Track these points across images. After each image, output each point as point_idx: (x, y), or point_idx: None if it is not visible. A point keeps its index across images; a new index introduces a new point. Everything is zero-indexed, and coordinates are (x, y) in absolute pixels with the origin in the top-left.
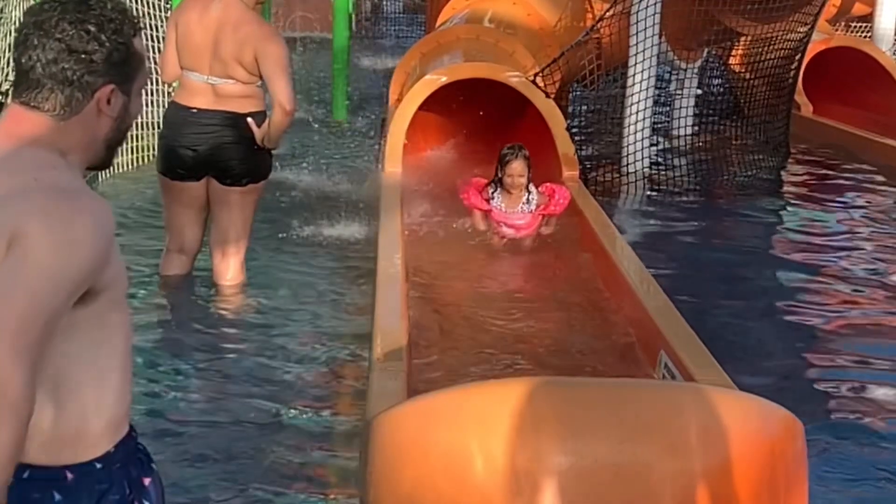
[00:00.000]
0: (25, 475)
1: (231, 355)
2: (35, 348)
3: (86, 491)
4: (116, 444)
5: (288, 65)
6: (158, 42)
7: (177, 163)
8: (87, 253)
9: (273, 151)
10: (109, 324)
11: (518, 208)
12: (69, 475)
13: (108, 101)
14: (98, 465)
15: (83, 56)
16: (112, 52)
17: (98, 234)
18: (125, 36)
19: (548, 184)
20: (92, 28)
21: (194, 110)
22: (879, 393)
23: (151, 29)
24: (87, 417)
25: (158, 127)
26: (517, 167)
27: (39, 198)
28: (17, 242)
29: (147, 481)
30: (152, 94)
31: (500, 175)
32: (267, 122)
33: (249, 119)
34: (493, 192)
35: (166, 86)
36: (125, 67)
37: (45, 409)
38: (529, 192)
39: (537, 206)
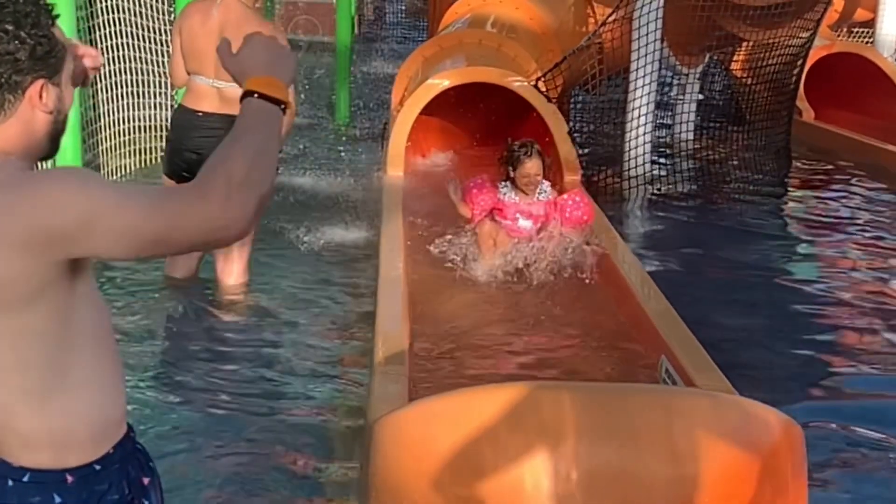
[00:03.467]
0: (26, 478)
1: (234, 355)
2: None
3: (85, 492)
4: (115, 444)
5: None
6: (163, 46)
7: (181, 166)
8: (87, 179)
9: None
10: (94, 322)
11: (534, 198)
12: (69, 478)
13: (41, 97)
14: (97, 467)
15: (6, 57)
16: (35, 47)
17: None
18: (44, 28)
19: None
20: (9, 27)
21: (200, 114)
22: (880, 399)
23: (155, 32)
24: (83, 420)
25: (161, 130)
26: (533, 167)
27: (22, 197)
28: (72, 223)
29: (146, 481)
30: (155, 97)
31: (511, 175)
32: None
33: None
34: (505, 192)
35: (169, 88)
36: (51, 59)
37: (42, 414)
38: (543, 183)
39: (551, 195)
